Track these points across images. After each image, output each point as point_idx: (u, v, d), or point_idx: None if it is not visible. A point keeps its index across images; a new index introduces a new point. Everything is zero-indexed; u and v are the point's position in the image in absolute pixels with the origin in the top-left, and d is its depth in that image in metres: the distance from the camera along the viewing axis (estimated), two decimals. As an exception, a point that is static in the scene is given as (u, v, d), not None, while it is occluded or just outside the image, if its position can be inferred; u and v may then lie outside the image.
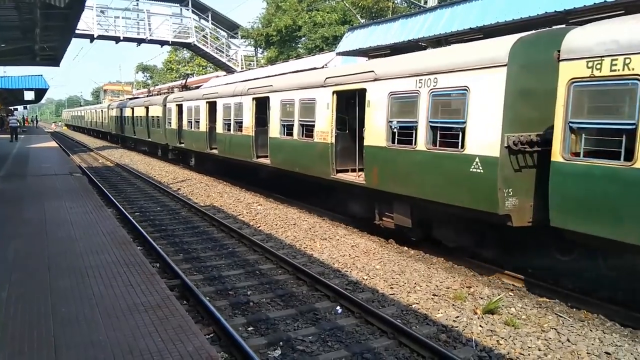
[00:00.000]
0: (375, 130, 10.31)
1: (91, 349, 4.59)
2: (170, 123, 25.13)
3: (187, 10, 35.56)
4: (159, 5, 34.91)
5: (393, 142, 9.87)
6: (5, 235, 8.69)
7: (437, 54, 9.81)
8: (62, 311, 5.43)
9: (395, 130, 9.81)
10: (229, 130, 17.75)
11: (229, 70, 35.20)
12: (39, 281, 6.37)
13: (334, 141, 11.98)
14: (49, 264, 7.04)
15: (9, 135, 34.34)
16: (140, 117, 31.06)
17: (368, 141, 10.60)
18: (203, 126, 20.47)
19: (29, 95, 44.99)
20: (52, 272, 6.72)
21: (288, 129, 13.93)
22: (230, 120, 17.64)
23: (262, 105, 15.80)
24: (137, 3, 33.70)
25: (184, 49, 51.08)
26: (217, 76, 33.90)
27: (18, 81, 42.35)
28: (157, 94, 31.42)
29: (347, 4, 32.93)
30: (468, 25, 12.30)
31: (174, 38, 34.37)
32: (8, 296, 5.85)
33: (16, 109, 56.97)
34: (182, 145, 23.93)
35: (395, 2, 36.37)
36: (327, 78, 12.15)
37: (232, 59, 37.40)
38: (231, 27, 39.87)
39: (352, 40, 17.66)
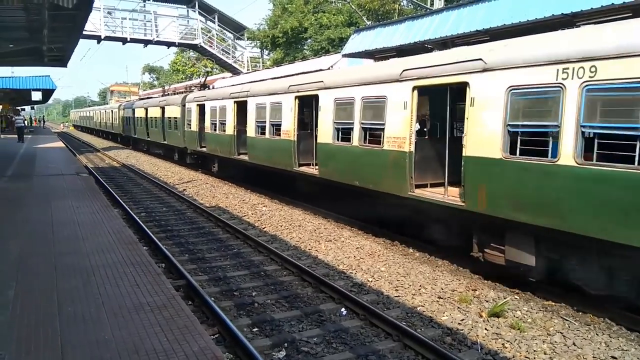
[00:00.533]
0: (484, 137, 8.04)
1: (97, 348, 4.61)
2: (190, 125, 22.93)
3: (194, 11, 35.71)
4: (165, 7, 35.05)
5: (513, 152, 7.60)
6: (13, 234, 8.75)
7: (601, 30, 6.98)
8: (68, 310, 5.46)
9: (518, 136, 7.53)
10: (263, 133, 15.54)
11: (235, 72, 35.28)
12: (46, 280, 6.40)
13: (412, 149, 9.75)
14: (55, 263, 7.08)
15: (17, 136, 34.25)
16: (155, 118, 29.21)
17: (471, 151, 8.29)
18: (230, 129, 18.30)
19: (36, 96, 45.23)
20: (59, 271, 6.76)
21: (344, 133, 11.82)
22: (264, 122, 15.47)
23: (307, 105, 14.12)
24: (144, 4, 33.84)
25: (191, 50, 51.23)
26: (224, 77, 33.98)
27: (25, 81, 42.61)
28: (173, 94, 29.65)
29: (353, 6, 32.95)
30: (474, 27, 12.27)
31: (181, 39, 34.51)
32: (15, 295, 5.89)
33: (23, 109, 57.31)
34: (204, 149, 21.72)
35: (402, 4, 36.38)
36: (404, 70, 9.89)
37: (238, 60, 37.51)
38: (237, 29, 40.00)
39: (358, 42, 17.66)
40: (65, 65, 25.01)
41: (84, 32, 20.18)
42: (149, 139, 31.53)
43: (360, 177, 11.29)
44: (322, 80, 12.75)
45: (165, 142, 27.97)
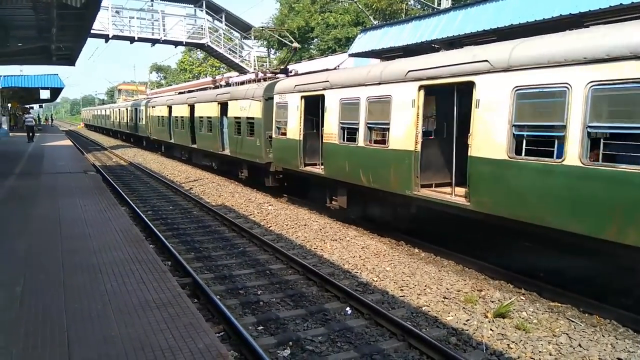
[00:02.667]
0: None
1: (104, 344, 4.65)
2: (284, 128, 14.93)
3: (201, 11, 35.76)
4: (173, 6, 35.12)
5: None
6: (20, 231, 8.82)
7: None
8: (75, 307, 5.50)
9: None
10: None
11: (242, 71, 35.33)
12: (53, 277, 6.45)
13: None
14: (62, 261, 7.13)
15: (26, 134, 32.76)
16: (206, 118, 21.37)
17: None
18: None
19: (44, 94, 45.64)
20: (66, 268, 6.81)
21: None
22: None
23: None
24: (152, 4, 33.96)
25: (198, 49, 51.37)
26: (230, 77, 34.03)
27: (34, 80, 42.98)
28: (226, 85, 22.22)
29: (360, 6, 32.92)
30: (482, 27, 12.24)
31: (188, 39, 34.56)
32: (22, 291, 5.94)
33: (32, 108, 57.71)
34: (316, 169, 13.83)
35: (409, 3, 36.31)
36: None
37: (245, 59, 37.55)
38: (244, 28, 40.02)
39: (365, 41, 17.64)
40: (73, 64, 25.18)
41: (92, 31, 20.26)
42: (194, 145, 23.76)
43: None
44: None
45: (223, 153, 20.01)
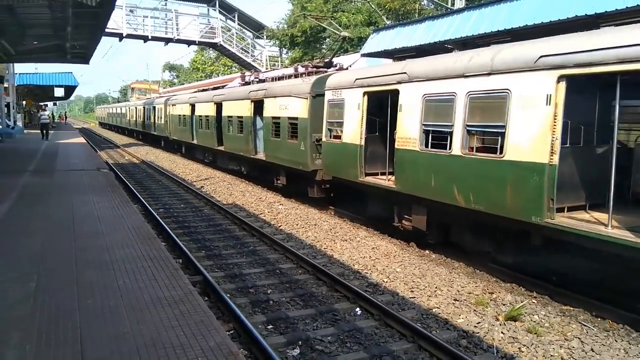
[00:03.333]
0: None
1: (116, 341, 4.69)
2: (338, 130, 12.61)
3: (214, 10, 35.93)
4: (186, 6, 35.34)
5: None
6: (34, 228, 8.92)
7: None
8: (87, 303, 5.55)
9: None
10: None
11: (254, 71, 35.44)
12: (66, 274, 6.52)
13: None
14: (75, 257, 7.20)
15: (40, 131, 32.17)
16: (241, 117, 18.86)
17: None
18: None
19: (58, 92, 46.28)
20: (79, 265, 6.88)
21: None
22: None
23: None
24: (166, 3, 34.20)
25: (210, 48, 51.60)
26: (261, 72, 34.06)
27: (49, 78, 43.59)
28: (260, 81, 19.73)
29: (372, 6, 32.84)
30: (496, 27, 12.16)
31: (201, 38, 34.76)
32: (36, 288, 6.01)
33: (46, 105, 58.33)
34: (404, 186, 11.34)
35: (422, 3, 36.16)
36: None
37: (257, 59, 37.67)
38: (257, 28, 40.16)
39: (378, 41, 17.61)
40: (87, 62, 25.39)
41: (106, 30, 20.44)
42: (221, 148, 21.55)
43: None
44: None
45: (256, 157, 17.83)
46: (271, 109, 16.21)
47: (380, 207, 11.78)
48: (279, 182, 16.45)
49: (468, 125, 8.61)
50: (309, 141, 13.86)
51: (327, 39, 41.08)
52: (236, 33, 36.89)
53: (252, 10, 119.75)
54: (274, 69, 29.37)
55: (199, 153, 26.55)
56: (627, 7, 9.02)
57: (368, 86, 11.45)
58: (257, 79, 20.21)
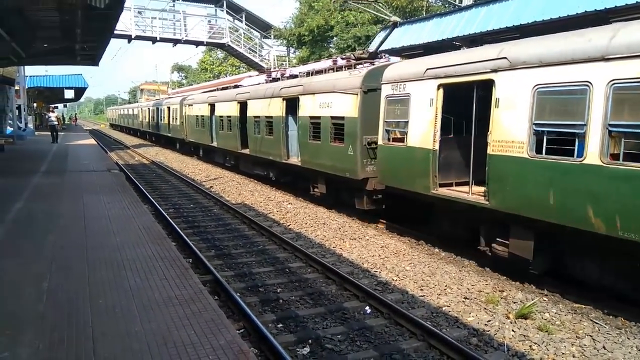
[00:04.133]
0: None
1: (127, 339, 4.73)
2: (401, 127, 10.71)
3: (222, 11, 36.04)
4: (194, 7, 35.49)
5: None
6: (46, 228, 9.01)
7: None
8: (99, 302, 5.61)
9: None
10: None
11: (262, 70, 35.52)
12: (78, 273, 6.59)
13: None
14: (87, 257, 7.27)
15: (50, 134, 31.37)
16: (270, 118, 16.71)
17: None
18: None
19: (69, 94, 46.63)
20: (90, 264, 6.94)
21: None
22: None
23: None
24: (174, 4, 34.36)
25: (218, 49, 51.75)
26: (250, 76, 34.21)
27: (59, 80, 43.98)
28: (290, 77, 17.32)
29: (380, 4, 32.77)
30: (505, 24, 12.10)
31: (209, 39, 34.88)
32: (49, 287, 6.08)
33: (56, 107, 58.75)
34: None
35: (430, 1, 36.03)
36: None
37: (265, 59, 37.73)
38: (264, 28, 40.23)
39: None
40: (96, 64, 25.53)
41: (115, 32, 20.55)
42: (245, 151, 19.65)
43: None
44: None
45: (289, 162, 15.90)
46: (309, 107, 14.25)
47: (458, 225, 9.85)
48: (316, 190, 14.58)
49: (611, 125, 6.57)
50: (359, 144, 11.94)
51: (335, 38, 41.03)
52: (244, 33, 36.98)
53: (259, 10, 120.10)
54: (302, 65, 27.04)
55: (219, 156, 24.55)
56: (637, 2, 8.94)
57: (445, 77, 9.32)
58: (285, 75, 17.98)
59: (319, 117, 13.69)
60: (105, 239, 8.31)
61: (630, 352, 5.91)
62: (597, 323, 6.75)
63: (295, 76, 16.70)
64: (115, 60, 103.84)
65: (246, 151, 19.47)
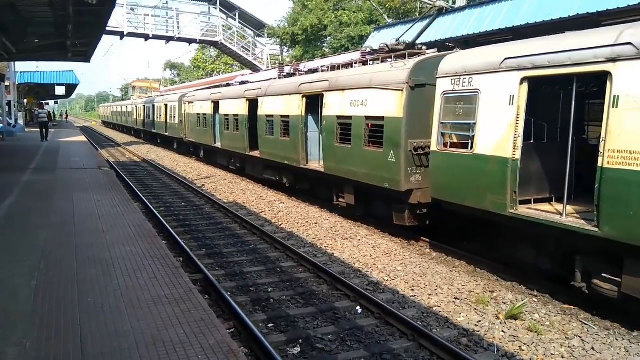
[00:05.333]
0: None
1: (116, 338, 4.69)
2: (465, 130, 9.00)
3: (215, 8, 35.95)
4: (187, 4, 35.37)
5: None
6: (35, 225, 8.93)
7: None
8: (88, 301, 5.56)
9: None
10: None
11: (255, 69, 35.45)
12: (67, 271, 6.53)
13: None
14: (76, 255, 7.21)
15: (39, 131, 29.40)
16: (286, 117, 15.11)
17: None
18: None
19: (60, 90, 46.27)
20: (79, 262, 6.88)
21: None
22: None
23: None
24: (167, 1, 34.21)
25: (211, 47, 51.58)
26: (243, 74, 34.13)
27: (50, 76, 43.63)
28: (311, 71, 15.65)
29: (374, 4, 32.82)
30: (497, 26, 12.15)
31: (202, 36, 34.76)
32: (37, 285, 6.01)
33: (47, 104, 58.20)
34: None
35: (423, 2, 36.08)
36: None
37: (258, 57, 37.68)
38: (258, 26, 40.18)
39: (379, 40, 17.60)
40: (88, 61, 25.36)
41: (107, 28, 20.42)
42: (254, 153, 17.95)
43: None
44: None
45: (309, 167, 14.25)
46: (336, 105, 12.48)
47: (541, 254, 8.13)
48: (341, 200, 12.87)
49: None
50: (404, 150, 10.19)
51: (329, 37, 41.03)
52: (237, 31, 36.91)
53: (253, 9, 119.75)
54: (319, 59, 24.80)
55: (223, 158, 22.35)
56: (628, 5, 9.01)
57: (533, 68, 7.53)
58: (300, 71, 16.45)
59: (349, 117, 11.90)
60: (95, 236, 8.24)
61: (618, 353, 5.95)
62: (586, 324, 6.79)
63: (315, 71, 15.08)
64: (107, 57, 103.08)
65: (255, 153, 17.64)
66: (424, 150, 10.02)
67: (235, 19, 37.53)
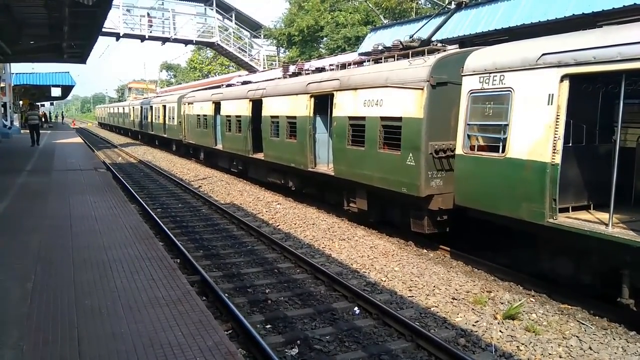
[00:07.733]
0: None
1: (113, 341, 4.67)
2: (496, 133, 8.38)
3: (212, 9, 35.89)
4: (183, 5, 35.32)
5: None
6: (31, 228, 8.88)
7: None
8: (85, 303, 5.53)
9: None
10: None
11: (252, 70, 35.43)
12: (63, 273, 6.49)
13: None
14: (73, 257, 7.17)
15: (29, 134, 26.36)
16: (293, 118, 14.59)
17: None
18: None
19: (55, 92, 46.14)
20: (76, 264, 6.85)
21: None
22: None
23: None
24: (163, 2, 34.14)
25: (208, 48, 51.52)
26: (240, 75, 34.10)
27: (45, 78, 43.44)
28: (316, 71, 14.83)
29: (370, 5, 32.86)
30: (493, 26, 12.17)
31: (198, 37, 34.72)
32: (33, 288, 5.98)
33: (43, 105, 57.91)
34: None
35: (419, 3, 36.22)
36: None
37: (255, 58, 37.64)
38: (254, 27, 40.13)
39: (375, 40, 17.60)
40: (84, 62, 25.29)
41: (103, 30, 20.36)
42: (257, 156, 17.48)
43: None
44: None
45: (317, 171, 13.73)
46: (348, 106, 11.86)
47: (583, 267, 7.49)
48: (352, 205, 12.31)
49: None
50: (424, 153, 9.59)
51: (325, 38, 41.07)
52: (233, 32, 36.86)
53: (249, 10, 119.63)
54: (328, 57, 24.12)
55: (224, 161, 21.78)
56: (624, 6, 9.04)
57: (576, 65, 6.88)
58: (305, 70, 15.72)
59: (362, 118, 11.28)
60: (92, 239, 8.21)
61: (616, 353, 5.97)
62: (583, 324, 6.81)
63: (322, 69, 14.44)
64: (103, 58, 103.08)
65: (259, 156, 17.06)
66: (446, 153, 9.54)
67: (231, 20, 37.47)
